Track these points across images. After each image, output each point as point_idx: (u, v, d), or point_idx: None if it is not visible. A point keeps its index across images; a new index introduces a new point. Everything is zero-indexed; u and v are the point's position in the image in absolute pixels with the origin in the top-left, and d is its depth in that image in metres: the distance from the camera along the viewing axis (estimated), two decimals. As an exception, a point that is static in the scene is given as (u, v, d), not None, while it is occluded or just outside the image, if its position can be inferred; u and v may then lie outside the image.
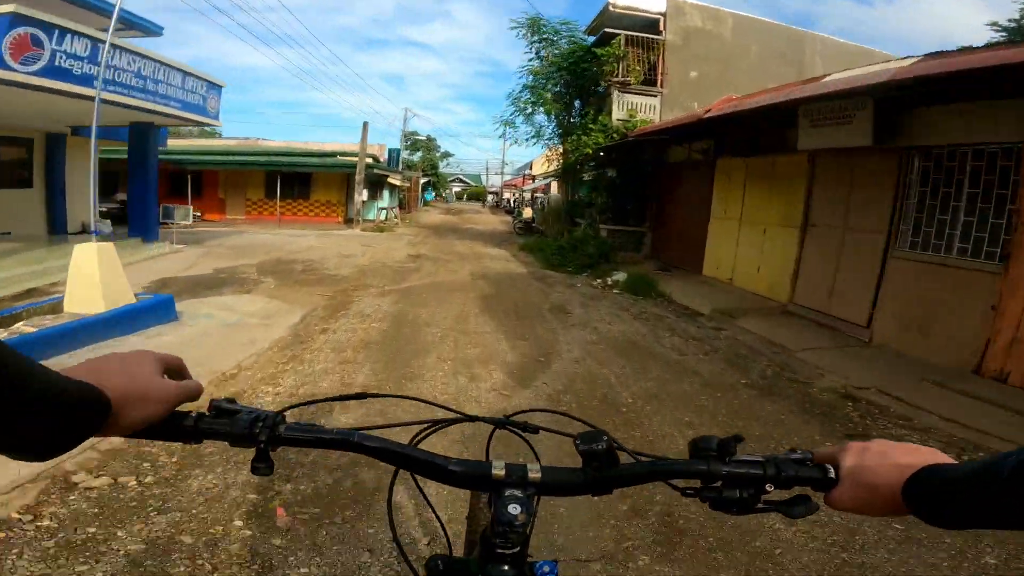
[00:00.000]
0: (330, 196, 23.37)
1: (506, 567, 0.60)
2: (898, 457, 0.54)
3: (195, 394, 0.59)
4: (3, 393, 0.38)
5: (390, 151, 44.81)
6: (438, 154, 49.79)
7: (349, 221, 22.28)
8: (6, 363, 0.39)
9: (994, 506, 0.45)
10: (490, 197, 70.70)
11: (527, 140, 17.44)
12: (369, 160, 22.79)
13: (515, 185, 75.96)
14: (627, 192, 13.20)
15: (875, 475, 0.54)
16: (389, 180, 25.52)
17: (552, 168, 20.74)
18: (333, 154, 22.83)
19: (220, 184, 22.90)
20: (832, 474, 0.59)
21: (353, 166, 21.56)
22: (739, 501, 0.59)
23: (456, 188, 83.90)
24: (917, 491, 0.51)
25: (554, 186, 38.54)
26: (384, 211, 24.34)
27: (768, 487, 0.60)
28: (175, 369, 0.59)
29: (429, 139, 49.75)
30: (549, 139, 16.51)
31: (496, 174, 70.35)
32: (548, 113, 15.26)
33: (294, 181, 22.97)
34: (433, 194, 73.33)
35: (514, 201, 58.35)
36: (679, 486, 0.63)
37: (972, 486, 0.47)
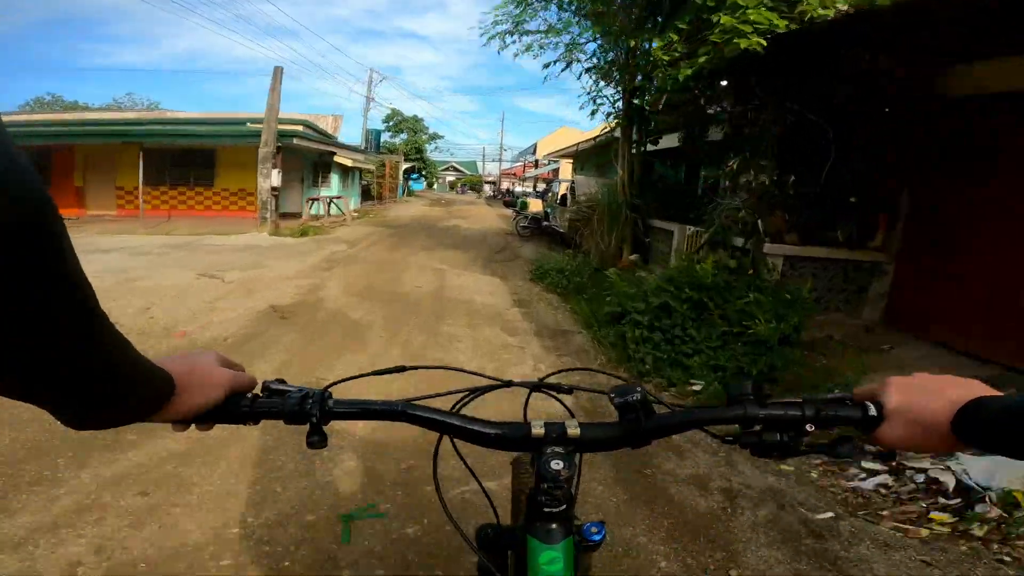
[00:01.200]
0: (245, 182, 15.81)
1: (554, 525, 0.60)
2: (944, 391, 0.54)
3: (249, 385, 0.62)
4: (99, 358, 0.39)
5: (369, 133, 37.18)
6: (425, 136, 42.02)
7: (285, 216, 14.80)
8: (104, 331, 0.39)
9: None
10: (487, 187, 63.27)
11: (539, 50, 8.66)
12: (297, 128, 15.24)
13: (514, 174, 68.86)
14: (822, 167, 5.14)
15: (923, 410, 0.54)
16: (337, 160, 17.87)
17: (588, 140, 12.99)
18: (243, 121, 15.15)
19: (77, 167, 15.39)
20: (874, 412, 0.57)
21: (289, 138, 14.00)
22: (780, 445, 0.58)
23: (450, 177, 76.36)
24: (969, 424, 0.50)
25: (565, 170, 31.42)
26: (321, 203, 16.60)
27: (809, 428, 0.58)
28: (234, 365, 0.63)
29: (415, 120, 42.04)
30: (593, 66, 8.35)
31: (493, 161, 62.82)
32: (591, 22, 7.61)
33: (190, 161, 15.46)
34: (424, 183, 65.91)
35: (514, 190, 51.08)
36: (718, 433, 0.62)
37: (1021, 416, 0.46)
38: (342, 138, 23.92)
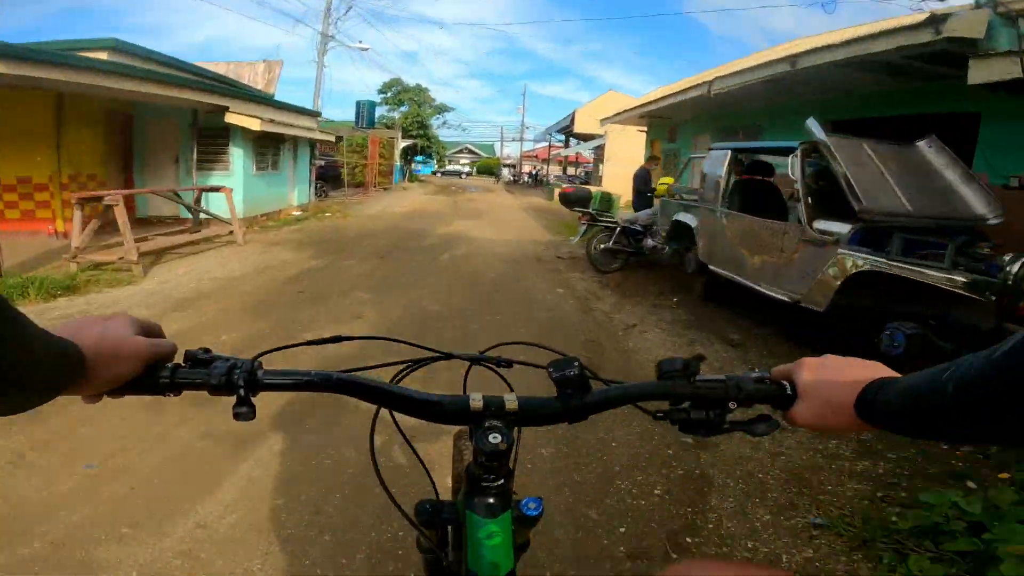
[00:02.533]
0: (29, 163, 7.89)
1: (491, 500, 0.61)
2: (849, 372, 0.56)
3: (168, 353, 0.58)
4: None
5: (362, 106, 29.10)
6: (430, 108, 33.70)
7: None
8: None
9: (939, 420, 0.46)
10: (505, 171, 54.99)
11: None
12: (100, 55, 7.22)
13: (536, 156, 60.50)
14: None
15: (830, 390, 0.56)
16: (234, 120, 9.72)
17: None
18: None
19: None
20: (789, 391, 0.60)
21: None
22: (706, 422, 0.61)
23: (464, 160, 68.19)
24: (869, 405, 0.51)
25: (620, 147, 23.08)
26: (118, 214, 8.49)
27: (731, 405, 0.61)
28: (151, 330, 0.58)
29: (419, 89, 33.75)
30: None
31: (513, 141, 54.37)
32: None
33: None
34: (433, 166, 57.73)
35: (537, 173, 42.72)
36: (649, 410, 0.64)
37: (916, 400, 0.48)
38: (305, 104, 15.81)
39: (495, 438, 0.59)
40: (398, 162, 28.43)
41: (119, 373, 0.52)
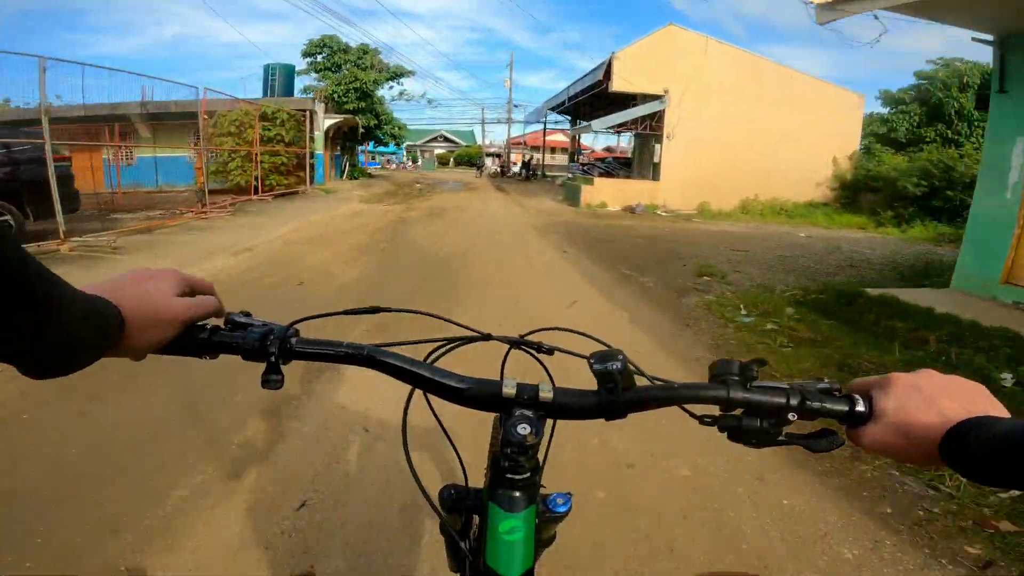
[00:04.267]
0: None
1: (516, 493, 0.57)
2: (943, 402, 0.48)
3: (209, 312, 0.56)
4: (22, 303, 0.35)
5: (272, 71, 18.71)
6: (377, 73, 22.65)
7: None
8: (27, 274, 0.36)
9: None
10: (489, 161, 44.71)
11: None
12: None
13: (524, 143, 50.38)
14: None
15: (913, 420, 0.48)
16: None
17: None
18: None
19: None
20: (862, 407, 0.53)
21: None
22: (759, 432, 0.55)
23: (440, 150, 57.63)
24: (956, 447, 0.45)
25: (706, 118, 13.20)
26: None
27: (791, 416, 0.55)
28: (199, 287, 0.57)
29: (364, 50, 22.83)
30: None
31: (500, 122, 43.87)
32: None
33: None
34: (402, 156, 46.78)
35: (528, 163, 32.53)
36: (696, 414, 0.59)
37: (1020, 448, 0.40)
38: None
39: (524, 429, 0.55)
40: (320, 150, 17.89)
41: (156, 336, 0.51)
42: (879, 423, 0.50)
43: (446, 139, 59.17)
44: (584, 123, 17.08)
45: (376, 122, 22.18)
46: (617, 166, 24.58)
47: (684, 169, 15.13)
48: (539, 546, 0.61)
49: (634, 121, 14.99)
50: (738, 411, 0.56)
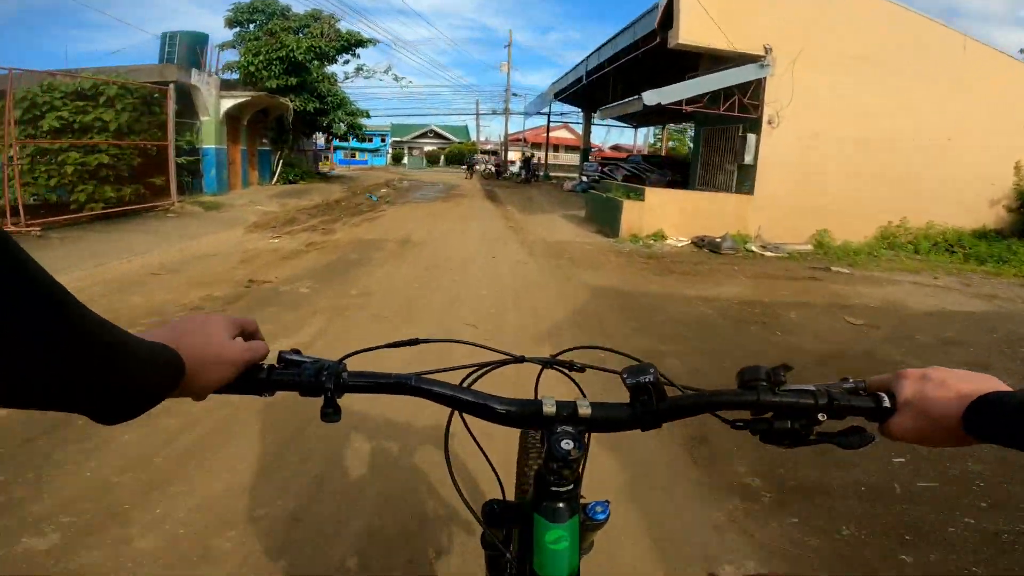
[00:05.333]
0: None
1: (560, 505, 0.60)
2: (957, 385, 0.53)
3: (264, 354, 0.60)
4: (84, 355, 0.37)
5: (172, 40, 12.20)
6: (323, 40, 16.26)
7: None
8: (91, 324, 0.37)
9: None
10: (482, 160, 38.64)
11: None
12: None
13: (524, 140, 44.35)
14: None
15: (935, 405, 0.53)
16: None
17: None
18: None
19: None
20: (887, 403, 0.57)
21: None
22: (791, 433, 0.58)
23: (430, 146, 51.48)
24: (978, 419, 0.50)
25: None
26: None
27: (820, 416, 0.57)
28: (248, 331, 0.60)
29: (313, 15, 16.41)
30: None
31: (497, 112, 37.62)
32: None
33: None
34: (384, 156, 40.57)
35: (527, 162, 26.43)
36: (728, 419, 0.61)
37: None
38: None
39: (567, 444, 0.57)
40: (215, 143, 11.79)
41: (218, 378, 0.54)
42: (904, 413, 0.54)
43: (437, 134, 53.03)
44: (613, 105, 10.94)
45: (319, 105, 15.95)
46: (649, 168, 18.48)
47: (793, 176, 9.04)
48: (580, 553, 0.63)
49: (706, 98, 8.87)
50: (768, 414, 0.58)
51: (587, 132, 22.42)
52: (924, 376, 0.55)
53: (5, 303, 0.30)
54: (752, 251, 8.44)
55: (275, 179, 15.85)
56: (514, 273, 6.08)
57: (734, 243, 8.35)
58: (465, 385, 0.66)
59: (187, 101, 11.26)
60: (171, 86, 10.00)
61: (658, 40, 9.31)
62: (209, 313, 0.58)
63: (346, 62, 17.91)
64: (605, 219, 9.71)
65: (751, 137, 8.95)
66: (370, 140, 51.56)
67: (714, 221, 8.92)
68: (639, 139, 39.75)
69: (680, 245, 8.58)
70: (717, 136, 10.35)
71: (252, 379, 0.58)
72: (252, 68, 14.56)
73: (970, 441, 0.51)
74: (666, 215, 8.85)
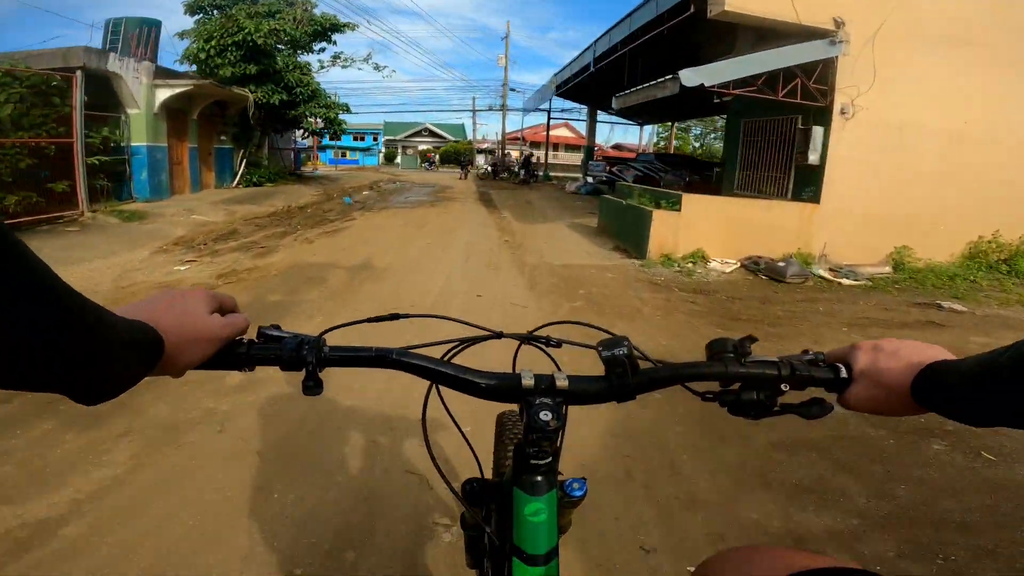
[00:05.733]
0: None
1: (539, 478, 0.61)
2: (907, 355, 0.54)
3: (243, 329, 0.59)
4: (69, 333, 0.36)
5: (118, 27, 9.80)
6: (301, 27, 14.21)
7: None
8: (77, 301, 0.37)
9: (998, 403, 0.45)
10: (481, 159, 36.80)
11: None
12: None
13: (522, 138, 42.44)
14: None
15: (887, 374, 0.55)
16: None
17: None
18: None
19: None
20: (844, 374, 0.59)
21: None
22: (756, 404, 0.60)
23: (424, 145, 49.44)
24: (925, 388, 0.51)
25: None
26: None
27: (784, 387, 0.59)
28: (227, 307, 0.59)
29: None
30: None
31: (494, 109, 35.48)
32: None
33: None
34: (376, 156, 38.65)
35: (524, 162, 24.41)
36: (698, 391, 0.63)
37: (974, 382, 0.47)
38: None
39: (546, 415, 0.58)
40: (149, 141, 9.73)
41: (197, 354, 0.53)
42: (859, 383, 0.57)
43: (432, 133, 51.03)
44: (637, 89, 8.88)
45: (287, 97, 13.85)
46: (663, 168, 16.45)
47: (871, 180, 7.03)
48: (559, 530, 0.64)
49: (760, 80, 6.84)
50: (735, 386, 0.60)
51: (592, 129, 20.38)
52: (877, 347, 0.57)
53: None
54: (823, 277, 6.42)
55: (237, 181, 13.79)
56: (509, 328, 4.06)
57: (801, 268, 6.33)
58: (446, 359, 0.66)
59: (108, 91, 9.19)
60: (78, 73, 7.93)
61: (692, 10, 7.28)
62: (190, 289, 0.56)
63: (322, 50, 15.87)
64: (626, 233, 7.68)
65: (817, 131, 6.91)
66: (361, 139, 49.62)
67: (767, 237, 6.90)
68: (641, 139, 37.74)
69: (728, 271, 6.56)
70: (764, 130, 8.32)
71: (232, 355, 0.57)
72: (203, 55, 12.48)
73: (921, 410, 0.52)
74: (708, 230, 6.82)
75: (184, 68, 13.29)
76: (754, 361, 0.60)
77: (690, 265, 6.63)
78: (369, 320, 0.71)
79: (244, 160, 14.16)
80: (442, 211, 12.14)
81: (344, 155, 45.26)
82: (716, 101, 10.03)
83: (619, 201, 8.33)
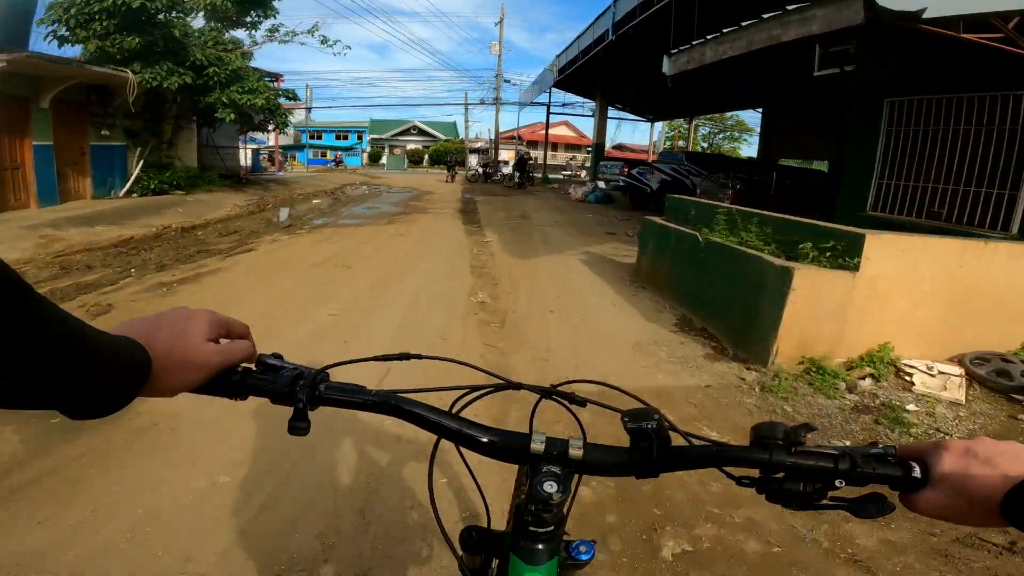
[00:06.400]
0: None
1: (540, 546, 0.57)
2: (1004, 465, 0.48)
3: (240, 358, 0.56)
4: (47, 350, 0.35)
5: None
6: None
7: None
8: (49, 317, 0.35)
9: None
10: (473, 159, 33.31)
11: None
12: None
13: (518, 137, 39.19)
14: None
15: (973, 482, 0.48)
16: None
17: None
18: None
19: None
20: (918, 473, 0.51)
21: None
22: (800, 496, 0.52)
23: (413, 144, 45.85)
24: (1019, 504, 0.45)
25: None
26: None
27: (838, 483, 0.52)
28: (235, 333, 0.56)
29: None
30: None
31: (486, 103, 31.75)
32: None
33: None
34: (359, 156, 34.94)
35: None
36: (734, 474, 0.56)
37: None
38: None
39: (550, 487, 0.54)
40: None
41: (186, 380, 0.51)
42: (937, 487, 0.51)
43: (421, 131, 47.60)
44: (730, 32, 5.33)
45: (193, 80, 10.14)
46: (697, 171, 12.90)
47: None
48: None
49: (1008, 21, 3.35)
50: (780, 474, 0.54)
51: (602, 123, 16.73)
52: (969, 450, 0.50)
53: None
54: None
55: (127, 188, 10.13)
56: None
57: None
58: (454, 410, 0.63)
59: None
60: None
61: None
62: (196, 310, 0.54)
63: (256, 22, 12.23)
64: (711, 300, 4.07)
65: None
66: (344, 137, 45.85)
67: (991, 310, 3.36)
68: (651, 136, 34.12)
69: (953, 393, 2.99)
70: (942, 114, 4.77)
71: (225, 382, 0.55)
72: (62, 29, 8.85)
73: (1004, 524, 0.48)
74: (909, 305, 3.24)
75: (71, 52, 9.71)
76: (806, 451, 0.52)
77: (867, 382, 3.06)
78: (379, 358, 0.66)
79: (141, 161, 10.51)
80: (400, 232, 8.55)
81: (324, 155, 41.57)
82: (823, 73, 6.52)
83: (685, 233, 4.70)
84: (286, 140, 41.48)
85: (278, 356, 0.58)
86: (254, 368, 0.57)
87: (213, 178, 13.00)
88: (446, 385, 0.66)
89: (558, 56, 16.48)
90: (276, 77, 22.12)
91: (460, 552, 0.66)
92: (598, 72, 14.70)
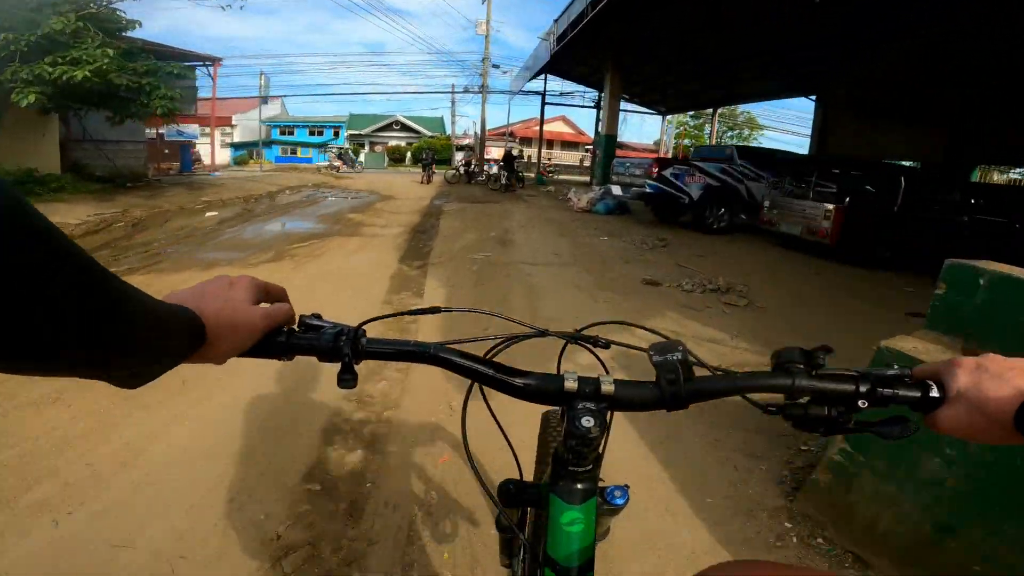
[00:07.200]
0: None
1: (579, 485, 0.58)
2: (1014, 378, 0.48)
3: (284, 319, 0.57)
4: (104, 315, 0.36)
5: None
6: None
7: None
8: (109, 284, 0.36)
9: None
10: (459, 156, 29.37)
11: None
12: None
13: (511, 134, 35.68)
14: None
15: (988, 397, 0.49)
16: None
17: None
18: None
19: None
20: (936, 393, 0.52)
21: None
22: (827, 420, 0.54)
23: (396, 140, 41.87)
24: None
25: None
26: None
27: (861, 404, 0.53)
28: (274, 295, 0.58)
29: None
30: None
31: (471, 91, 27.64)
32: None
33: None
34: (357, 158, 30.71)
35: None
36: (759, 403, 0.57)
37: None
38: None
39: (588, 421, 0.55)
40: None
41: (237, 343, 0.52)
42: (954, 405, 0.50)
43: (404, 127, 43.66)
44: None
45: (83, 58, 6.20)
46: (755, 175, 9.06)
47: None
48: (595, 539, 0.61)
49: None
50: (804, 399, 0.54)
51: (614, 107, 12.72)
52: (980, 366, 0.51)
53: (36, 266, 0.30)
54: None
55: None
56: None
57: None
58: (488, 357, 0.63)
59: None
60: None
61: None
62: (238, 277, 0.56)
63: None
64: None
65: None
66: (319, 133, 41.70)
67: None
68: (663, 132, 30.26)
69: None
70: None
71: (272, 344, 0.56)
72: None
73: (1021, 440, 0.48)
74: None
75: None
76: (827, 374, 0.54)
77: None
78: (411, 312, 0.68)
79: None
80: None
81: (295, 152, 37.52)
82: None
83: None
84: (251, 136, 37.39)
85: (317, 316, 0.59)
86: (297, 329, 0.57)
87: (69, 182, 9.05)
88: (476, 336, 0.68)
89: (556, 20, 12.56)
90: (214, 61, 18.03)
91: (501, 507, 0.68)
92: (609, 37, 10.78)
